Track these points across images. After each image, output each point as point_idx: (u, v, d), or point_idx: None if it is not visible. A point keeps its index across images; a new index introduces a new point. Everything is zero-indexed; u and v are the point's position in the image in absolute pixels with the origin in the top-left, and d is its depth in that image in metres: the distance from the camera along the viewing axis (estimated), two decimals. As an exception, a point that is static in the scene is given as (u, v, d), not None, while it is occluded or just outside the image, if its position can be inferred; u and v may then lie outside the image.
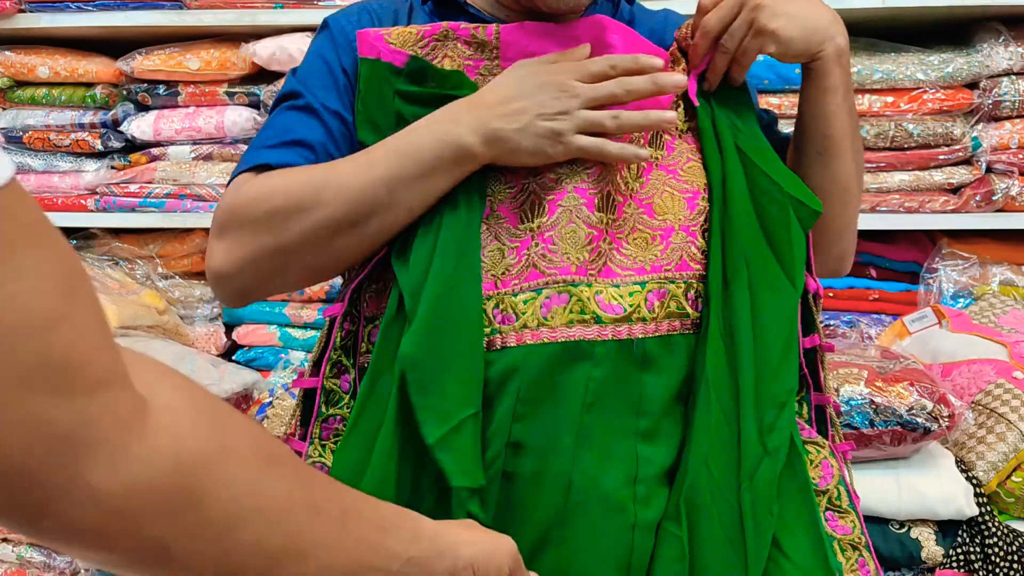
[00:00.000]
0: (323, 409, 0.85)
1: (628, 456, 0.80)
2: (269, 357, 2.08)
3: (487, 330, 0.80)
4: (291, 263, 0.85)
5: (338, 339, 0.85)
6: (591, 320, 0.79)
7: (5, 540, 1.60)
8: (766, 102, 1.82)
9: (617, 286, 0.82)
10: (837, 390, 1.36)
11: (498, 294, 0.81)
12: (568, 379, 0.78)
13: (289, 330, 2.08)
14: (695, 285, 0.85)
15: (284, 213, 0.82)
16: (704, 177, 0.88)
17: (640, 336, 0.82)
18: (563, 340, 0.78)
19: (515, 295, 0.81)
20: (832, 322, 1.91)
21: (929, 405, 1.32)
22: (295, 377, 1.95)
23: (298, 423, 0.87)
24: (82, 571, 1.53)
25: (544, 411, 0.78)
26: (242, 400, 1.80)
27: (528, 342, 0.79)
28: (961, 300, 1.82)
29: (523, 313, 0.80)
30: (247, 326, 2.11)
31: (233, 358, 2.08)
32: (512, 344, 0.79)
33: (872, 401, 1.33)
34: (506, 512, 0.78)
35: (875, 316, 1.92)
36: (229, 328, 2.15)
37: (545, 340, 0.78)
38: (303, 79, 0.93)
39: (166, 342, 1.79)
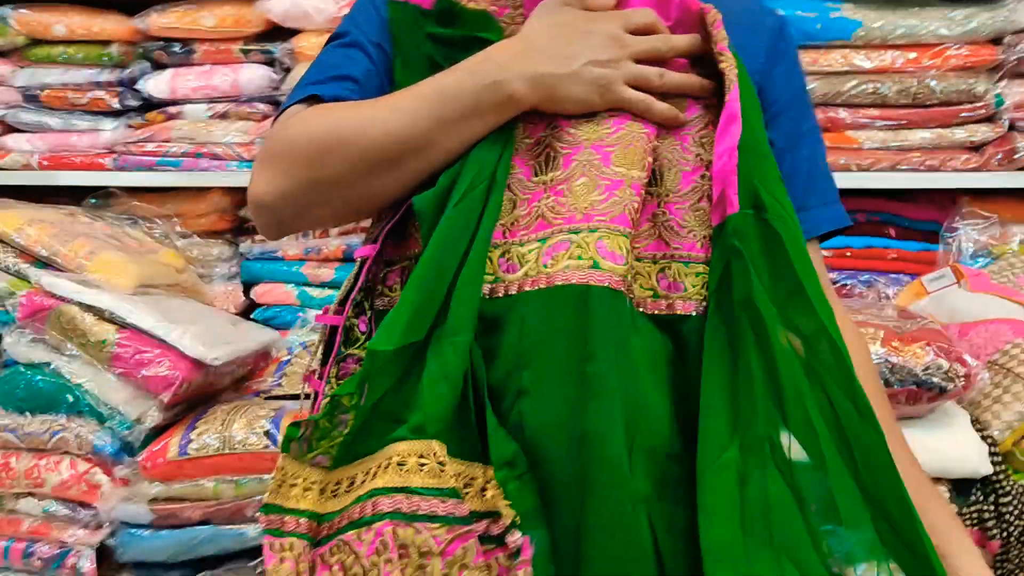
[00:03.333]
0: (342, 349, 0.86)
1: (636, 410, 0.75)
2: (287, 316, 2.09)
3: (490, 278, 0.79)
4: (328, 198, 0.86)
5: (366, 280, 0.86)
6: (587, 265, 0.76)
7: (30, 495, 1.62)
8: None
9: (626, 235, 0.78)
10: (853, 349, 1.36)
11: (505, 243, 0.81)
12: (564, 324, 0.75)
13: (307, 289, 2.09)
14: (674, 267, 0.81)
15: (326, 147, 0.83)
16: (710, 153, 0.83)
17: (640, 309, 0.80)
18: (559, 283, 0.77)
19: (522, 244, 0.80)
20: (850, 281, 1.90)
21: (945, 365, 1.32)
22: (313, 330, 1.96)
23: (319, 362, 0.88)
24: (105, 524, 1.55)
25: (545, 358, 0.75)
26: (260, 358, 1.81)
27: (527, 289, 0.78)
28: (980, 260, 1.80)
29: (527, 262, 0.79)
30: (265, 285, 2.13)
31: (251, 316, 2.10)
32: (513, 292, 0.78)
33: (888, 361, 1.32)
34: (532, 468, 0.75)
35: (893, 276, 1.90)
36: (247, 287, 2.16)
37: (542, 285, 0.77)
38: (351, 18, 0.96)
39: (185, 300, 1.80)
